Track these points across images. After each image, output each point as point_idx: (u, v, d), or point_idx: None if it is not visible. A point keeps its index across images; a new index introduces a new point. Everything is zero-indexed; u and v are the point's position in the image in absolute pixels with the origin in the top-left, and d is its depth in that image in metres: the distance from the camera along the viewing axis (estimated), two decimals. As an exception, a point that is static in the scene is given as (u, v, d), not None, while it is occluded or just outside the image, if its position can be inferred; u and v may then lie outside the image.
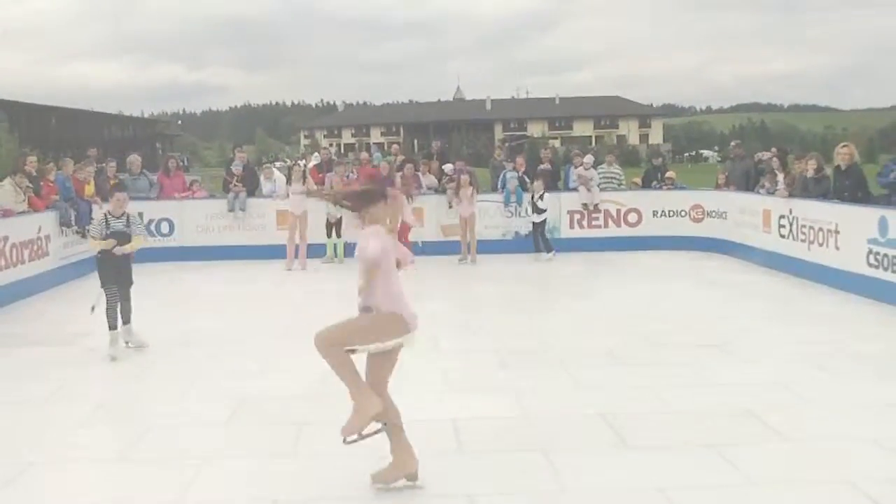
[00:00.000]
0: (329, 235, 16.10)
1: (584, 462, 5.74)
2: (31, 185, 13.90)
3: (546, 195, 16.18)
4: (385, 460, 5.46)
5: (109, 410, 7.14)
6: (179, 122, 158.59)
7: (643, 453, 5.90)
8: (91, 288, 13.80)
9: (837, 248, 12.32)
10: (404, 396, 7.30)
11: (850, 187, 12.45)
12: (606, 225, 17.36)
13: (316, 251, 15.73)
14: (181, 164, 22.97)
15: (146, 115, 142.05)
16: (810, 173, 13.41)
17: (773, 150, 16.87)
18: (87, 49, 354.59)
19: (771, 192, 14.80)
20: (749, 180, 16.21)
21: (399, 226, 15.33)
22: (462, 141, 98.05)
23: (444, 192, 16.89)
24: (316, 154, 20.88)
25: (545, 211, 16.14)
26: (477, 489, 5.28)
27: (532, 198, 16.52)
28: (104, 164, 16.92)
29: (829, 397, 7.15)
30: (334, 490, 5.34)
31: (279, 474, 5.63)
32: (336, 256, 16.12)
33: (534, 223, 16.26)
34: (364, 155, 22.13)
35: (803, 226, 13.38)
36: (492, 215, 17.15)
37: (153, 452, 6.08)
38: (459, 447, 6.09)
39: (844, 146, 13.03)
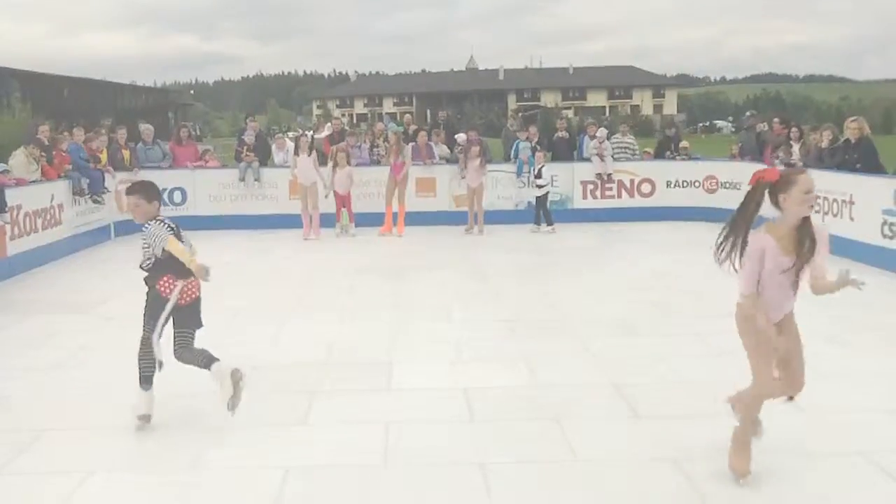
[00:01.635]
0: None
1: (596, 431, 5.74)
2: (44, 154, 13.94)
3: (545, 169, 16.06)
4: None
5: (123, 379, 7.15)
6: (192, 91, 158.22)
7: (655, 422, 5.90)
8: (103, 255, 13.94)
9: (852, 219, 12.25)
10: (416, 365, 7.38)
11: (860, 160, 12.36)
12: (620, 195, 17.31)
13: (328, 220, 15.68)
14: (193, 133, 23.00)
15: (159, 85, 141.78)
16: (825, 144, 13.31)
17: (776, 120, 16.84)
18: (100, 19, 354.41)
19: (785, 163, 14.70)
20: (763, 151, 16.11)
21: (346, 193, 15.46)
22: (475, 111, 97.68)
23: (455, 161, 16.84)
24: (328, 124, 20.74)
25: (545, 185, 16.04)
26: (489, 458, 5.29)
27: (531, 171, 16.55)
28: (115, 133, 16.93)
29: (841, 368, 7.13)
30: (345, 458, 5.35)
31: (290, 442, 5.65)
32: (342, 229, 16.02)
33: (536, 196, 16.21)
34: (379, 125, 22.05)
35: (818, 196, 13.27)
36: (504, 185, 17.12)
37: (166, 422, 6.10)
38: (471, 416, 6.10)
39: (854, 120, 12.96)
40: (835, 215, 12.70)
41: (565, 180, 17.22)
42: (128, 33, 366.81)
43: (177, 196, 16.97)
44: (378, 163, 16.95)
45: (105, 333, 8.75)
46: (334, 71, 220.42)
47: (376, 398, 6.52)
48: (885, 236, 11.35)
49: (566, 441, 5.55)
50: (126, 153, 16.66)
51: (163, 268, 6.03)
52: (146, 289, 6.14)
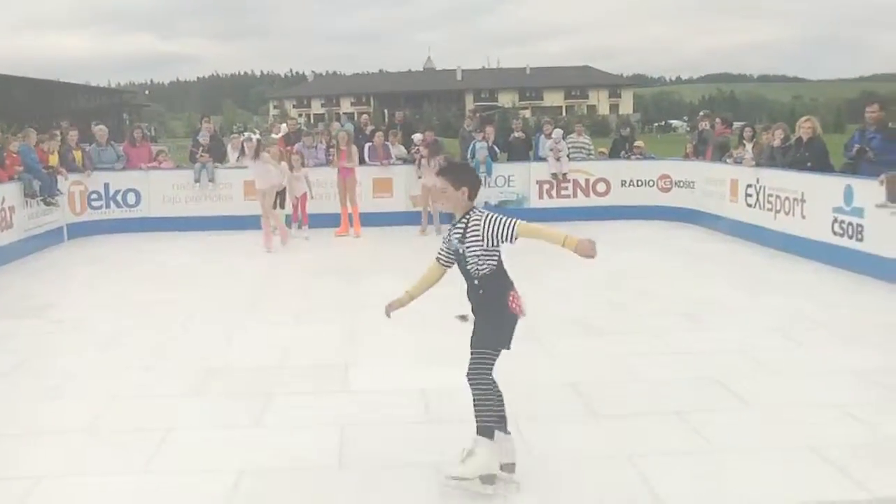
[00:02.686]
0: (273, 207, 15.85)
1: (554, 430, 5.76)
2: (-6, 156, 13.73)
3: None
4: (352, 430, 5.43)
5: (75, 382, 7.07)
6: (147, 92, 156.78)
7: (612, 421, 5.93)
8: (55, 258, 13.75)
9: (803, 217, 12.41)
10: (372, 367, 7.36)
11: (811, 159, 12.53)
12: (575, 195, 17.40)
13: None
14: (147, 134, 22.78)
15: (114, 86, 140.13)
16: (777, 143, 13.48)
17: (718, 120, 17.13)
18: (54, 18, 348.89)
19: (738, 162, 14.88)
20: (715, 149, 16.29)
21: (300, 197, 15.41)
22: (432, 111, 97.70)
23: (412, 162, 16.83)
24: (284, 125, 20.60)
25: None
26: (445, 458, 5.26)
27: (488, 171, 16.74)
28: (66, 135, 16.71)
29: (794, 365, 7.22)
30: (300, 460, 5.32)
31: (245, 445, 5.60)
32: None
33: None
34: (335, 125, 21.96)
35: (770, 195, 13.46)
36: (461, 185, 17.07)
37: (119, 424, 6.03)
38: (428, 417, 6.09)
39: (807, 120, 13.15)
40: (787, 213, 12.87)
41: (522, 180, 17.28)
42: (82, 33, 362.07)
43: (131, 198, 16.78)
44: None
45: (56, 337, 8.63)
46: (291, 71, 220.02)
47: (332, 400, 6.49)
48: (835, 234, 11.51)
49: (523, 441, 5.54)
50: (78, 154, 16.45)
51: (502, 276, 5.09)
52: (481, 302, 5.08)
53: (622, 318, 9.06)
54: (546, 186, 17.35)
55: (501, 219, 4.82)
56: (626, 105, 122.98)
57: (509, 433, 4.90)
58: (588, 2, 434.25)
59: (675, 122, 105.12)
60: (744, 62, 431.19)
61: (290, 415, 6.17)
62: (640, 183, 17.40)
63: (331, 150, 17.12)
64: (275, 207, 15.76)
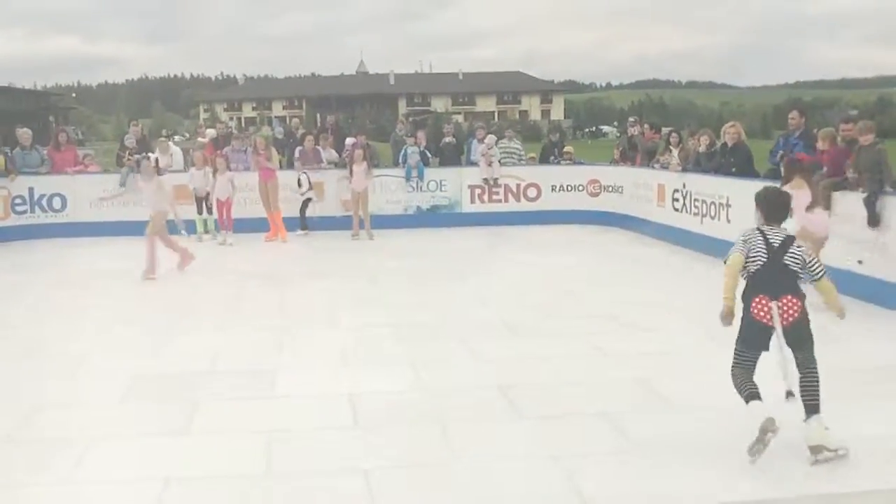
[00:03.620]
0: (199, 212, 15.77)
1: (480, 432, 5.80)
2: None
3: (304, 177, 16.13)
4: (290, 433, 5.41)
5: (-4, 391, 6.93)
6: (74, 94, 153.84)
7: (537, 423, 5.99)
8: None
9: (729, 221, 12.66)
10: (301, 372, 7.33)
11: (736, 164, 12.80)
12: (507, 200, 17.50)
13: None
14: (74, 137, 22.36)
15: (39, 88, 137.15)
16: (703, 148, 13.74)
17: (647, 126, 17.46)
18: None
19: (665, 167, 15.13)
20: (644, 154, 16.53)
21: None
22: (366, 115, 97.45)
23: (344, 166, 16.78)
24: (210, 129, 20.34)
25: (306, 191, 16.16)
26: (372, 463, 5.29)
27: (420, 176, 17.05)
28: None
29: (718, 366, 7.33)
30: (228, 468, 5.28)
31: (172, 452, 5.54)
32: (207, 232, 15.79)
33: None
34: (265, 128, 21.79)
35: (696, 200, 13.71)
36: (393, 190, 17.14)
37: (42, 433, 5.94)
38: (356, 422, 6.09)
39: (732, 125, 13.43)
40: (712, 217, 13.13)
41: (453, 185, 17.34)
42: (5, 34, 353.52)
43: (56, 202, 16.45)
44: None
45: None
46: (222, 74, 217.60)
47: (260, 406, 6.45)
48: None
49: (449, 444, 5.60)
50: (1, 159, 16.09)
51: (751, 285, 5.53)
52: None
53: (549, 320, 9.16)
54: (478, 191, 17.43)
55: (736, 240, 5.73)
56: (558, 110, 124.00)
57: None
58: (519, 8, 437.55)
59: (605, 128, 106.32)
60: (672, 68, 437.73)
61: (218, 422, 6.12)
62: (569, 188, 17.57)
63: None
64: (200, 213, 15.63)
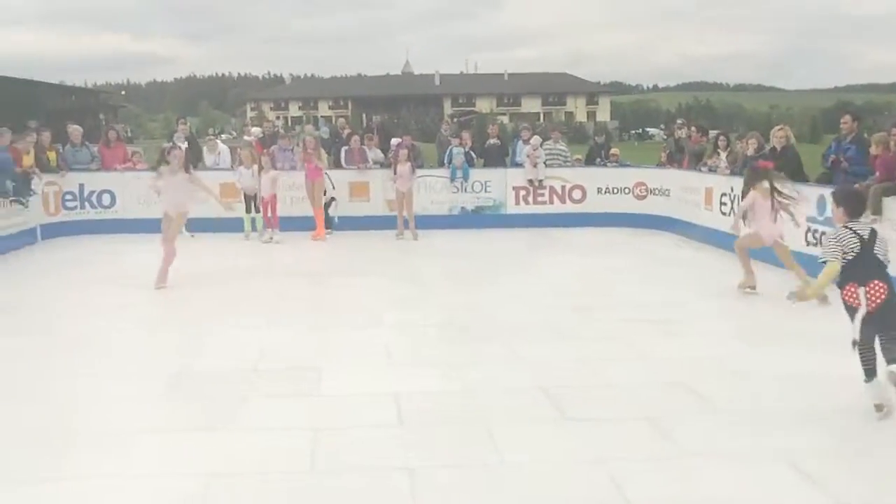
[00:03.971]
0: (248, 210, 15.89)
1: (524, 434, 5.79)
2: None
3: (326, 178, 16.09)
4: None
5: (43, 384, 7.04)
6: (123, 92, 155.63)
7: (582, 426, 5.97)
8: (27, 259, 13.65)
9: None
10: (345, 370, 7.37)
11: (784, 168, 12.63)
12: (551, 201, 17.45)
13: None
14: (124, 135, 22.64)
15: (90, 86, 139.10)
16: (750, 152, 13.59)
17: (694, 128, 17.27)
18: (30, 16, 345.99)
19: (713, 170, 14.99)
20: (691, 157, 16.40)
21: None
22: (410, 115, 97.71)
23: (389, 166, 16.84)
24: (255, 128, 20.45)
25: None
26: (417, 462, 5.31)
27: (464, 176, 17.11)
28: (39, 135, 16.57)
29: (761, 370, 7.29)
30: (273, 464, 5.32)
31: (216, 448, 5.59)
32: (254, 230, 15.88)
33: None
34: (308, 127, 21.94)
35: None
36: (437, 190, 17.17)
37: (89, 426, 6.01)
38: (400, 421, 6.10)
39: (780, 129, 13.25)
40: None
41: (498, 186, 17.33)
42: (57, 31, 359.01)
43: (105, 199, 16.70)
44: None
45: (25, 339, 8.55)
46: (269, 73, 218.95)
47: (305, 403, 6.49)
48: (808, 243, 11.61)
49: (494, 444, 5.59)
50: (52, 155, 16.35)
51: (846, 273, 6.18)
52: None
53: (593, 323, 9.12)
54: (522, 192, 17.40)
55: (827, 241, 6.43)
56: (604, 112, 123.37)
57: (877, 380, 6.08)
58: (566, 9, 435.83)
59: (652, 130, 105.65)
60: (720, 71, 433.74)
61: (263, 418, 6.17)
62: (615, 190, 17.48)
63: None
64: (248, 211, 15.75)
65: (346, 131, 18.67)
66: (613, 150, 18.60)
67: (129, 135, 64.94)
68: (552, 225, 16.66)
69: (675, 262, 13.16)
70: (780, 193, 10.17)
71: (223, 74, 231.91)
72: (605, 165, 17.97)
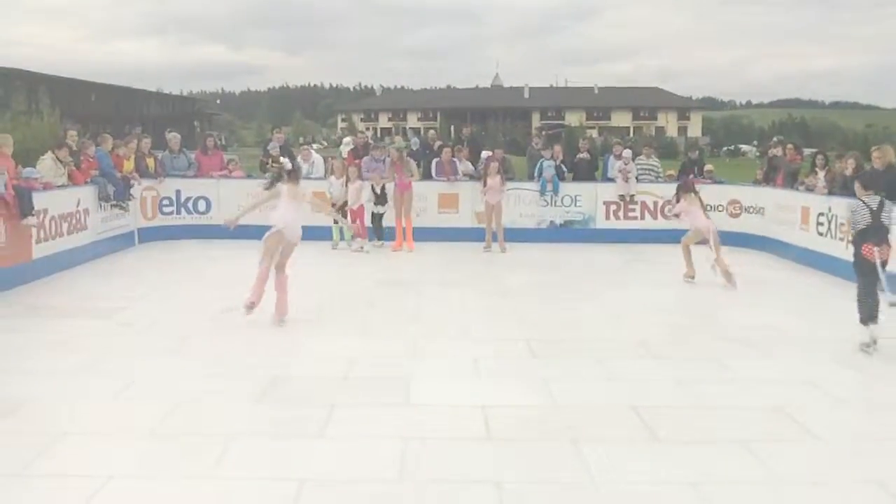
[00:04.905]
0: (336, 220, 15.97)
1: (614, 454, 5.71)
2: (71, 159, 14.08)
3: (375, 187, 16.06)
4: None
5: (141, 385, 7.20)
6: (218, 101, 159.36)
7: (673, 447, 5.87)
8: (126, 262, 14.01)
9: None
10: (435, 381, 7.38)
11: (885, 188, 12.26)
12: (643, 217, 17.27)
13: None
14: (219, 142, 23.12)
15: (185, 94, 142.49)
16: (849, 172, 13.25)
17: (790, 146, 16.88)
18: (130, 27, 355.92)
19: (810, 190, 14.66)
20: (787, 176, 16.06)
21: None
22: (499, 128, 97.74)
23: (479, 178, 16.86)
24: (347, 139, 20.66)
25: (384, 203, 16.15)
26: (505, 477, 5.28)
27: (555, 190, 16.99)
28: (139, 141, 17.02)
29: (859, 396, 7.10)
30: (361, 472, 5.35)
31: (308, 455, 5.65)
32: (343, 240, 15.99)
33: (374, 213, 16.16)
34: (397, 138, 22.08)
35: (842, 224, 13.22)
36: (527, 203, 17.12)
37: (183, 428, 6.14)
38: (489, 434, 6.08)
39: (877, 149, 12.87)
40: (859, 244, 12.61)
41: (588, 200, 17.22)
42: (156, 41, 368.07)
43: (201, 205, 17.07)
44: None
45: (125, 339, 8.80)
46: (360, 84, 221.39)
47: (394, 413, 6.52)
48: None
49: (583, 462, 5.53)
50: (151, 161, 16.79)
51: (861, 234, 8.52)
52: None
53: (684, 342, 8.97)
54: (613, 207, 17.26)
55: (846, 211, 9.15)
56: (695, 128, 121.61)
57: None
58: (658, 23, 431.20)
59: (744, 147, 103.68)
60: (816, 88, 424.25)
61: (353, 426, 6.21)
62: (709, 207, 17.15)
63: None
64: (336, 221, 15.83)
65: (438, 143, 18.75)
66: (708, 167, 18.29)
67: (224, 142, 66.25)
68: (642, 241, 16.47)
69: (770, 282, 12.88)
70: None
71: (315, 85, 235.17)
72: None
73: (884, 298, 8.28)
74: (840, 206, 13.29)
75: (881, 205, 8.47)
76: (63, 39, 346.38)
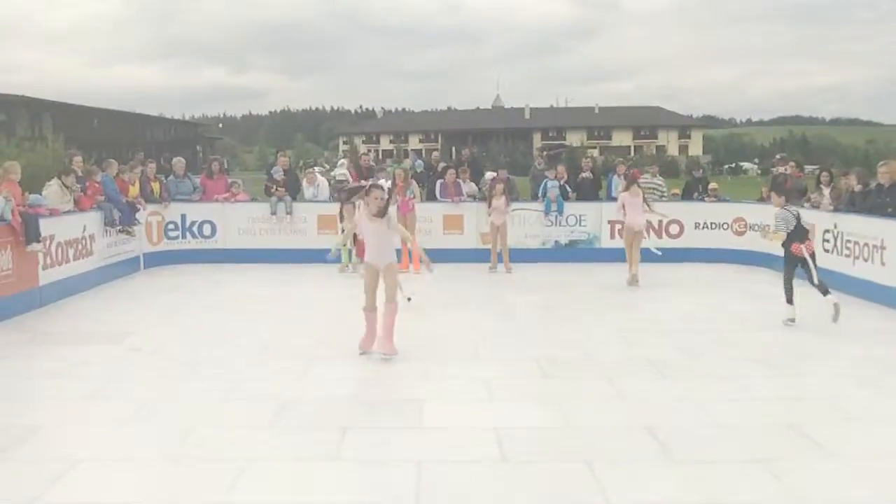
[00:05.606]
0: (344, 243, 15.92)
1: (629, 475, 5.67)
2: (78, 185, 14.11)
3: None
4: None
5: (152, 410, 7.18)
6: (220, 125, 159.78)
7: (689, 467, 5.83)
8: (132, 286, 14.02)
9: (883, 264, 12.16)
10: (446, 403, 7.35)
11: (892, 204, 12.30)
12: (648, 236, 17.22)
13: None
14: (223, 166, 23.16)
15: (187, 118, 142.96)
16: (857, 187, 13.26)
17: (792, 164, 16.92)
18: (132, 52, 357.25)
19: (816, 206, 14.66)
20: (796, 193, 16.06)
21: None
22: (500, 149, 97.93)
23: (483, 199, 16.88)
24: (342, 161, 20.47)
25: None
26: (519, 499, 5.25)
27: (559, 210, 17.22)
28: (144, 166, 17.09)
29: (873, 413, 7.06)
30: (379, 497, 5.32)
31: (323, 478, 5.62)
32: (351, 262, 15.84)
33: None
34: (406, 161, 22.12)
35: (848, 241, 13.21)
36: (532, 224, 17.13)
37: (195, 453, 6.10)
38: (502, 456, 6.05)
39: (883, 164, 12.91)
40: (865, 260, 12.62)
41: (593, 220, 17.23)
42: (158, 65, 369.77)
43: (206, 229, 17.10)
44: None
45: (134, 365, 8.78)
46: (361, 107, 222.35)
47: (409, 436, 6.49)
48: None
49: (598, 484, 5.49)
50: (156, 186, 16.83)
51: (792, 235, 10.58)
52: None
53: (696, 360, 8.93)
54: (618, 227, 17.22)
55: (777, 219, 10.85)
56: (696, 146, 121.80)
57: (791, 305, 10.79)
58: (657, 42, 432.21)
59: (745, 165, 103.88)
60: (816, 105, 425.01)
61: (367, 449, 6.17)
62: (713, 226, 17.23)
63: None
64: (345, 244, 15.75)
65: (442, 165, 18.78)
66: (713, 185, 18.32)
67: (226, 166, 66.46)
68: (648, 260, 16.42)
69: (779, 299, 12.81)
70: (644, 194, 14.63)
71: (316, 108, 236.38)
72: (702, 200, 17.71)
73: (817, 288, 10.48)
74: (847, 223, 13.32)
75: (799, 213, 10.76)
76: (65, 65, 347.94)
